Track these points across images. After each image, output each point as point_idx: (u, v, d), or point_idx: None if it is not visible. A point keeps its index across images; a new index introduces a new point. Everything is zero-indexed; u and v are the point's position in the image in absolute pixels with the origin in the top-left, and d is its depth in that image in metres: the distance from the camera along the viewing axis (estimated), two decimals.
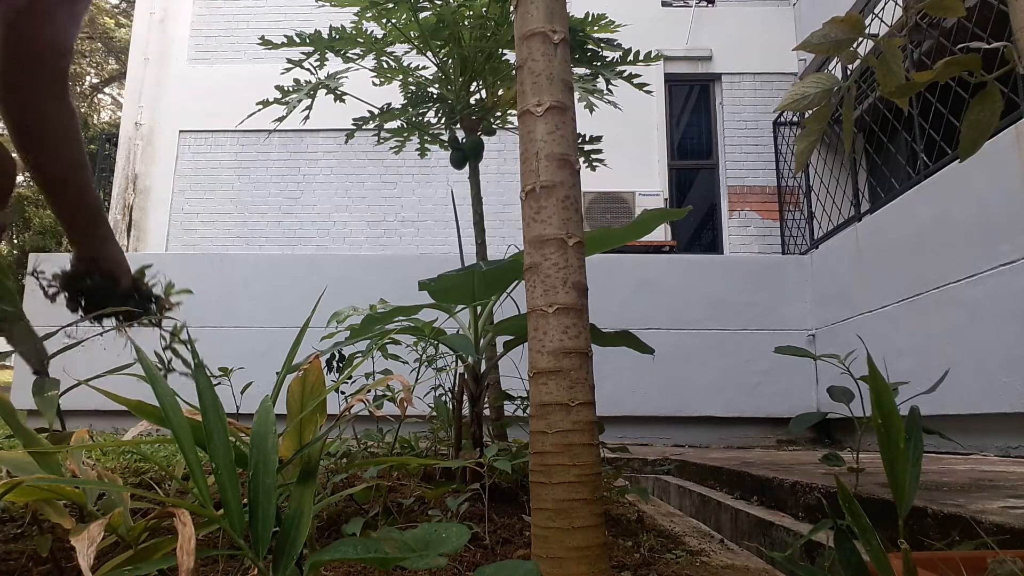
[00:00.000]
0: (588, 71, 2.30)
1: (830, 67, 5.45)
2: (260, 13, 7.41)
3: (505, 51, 2.26)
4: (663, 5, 7.27)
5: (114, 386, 0.71)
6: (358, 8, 2.18)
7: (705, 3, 7.32)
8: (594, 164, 2.53)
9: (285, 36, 2.32)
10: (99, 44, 16.94)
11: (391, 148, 2.71)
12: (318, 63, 2.40)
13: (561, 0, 1.04)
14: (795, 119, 6.52)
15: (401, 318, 1.66)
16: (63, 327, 1.39)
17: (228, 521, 0.61)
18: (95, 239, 1.47)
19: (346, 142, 2.72)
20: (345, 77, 2.40)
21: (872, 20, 4.42)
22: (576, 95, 2.01)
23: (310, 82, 2.38)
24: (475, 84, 2.35)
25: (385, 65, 2.41)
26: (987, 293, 3.26)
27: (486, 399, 1.80)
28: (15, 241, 14.54)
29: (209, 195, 7.01)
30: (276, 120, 2.47)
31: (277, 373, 0.85)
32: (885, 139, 4.58)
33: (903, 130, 4.40)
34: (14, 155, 1.26)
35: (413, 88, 2.43)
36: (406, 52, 2.38)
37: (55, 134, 1.27)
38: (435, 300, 1.60)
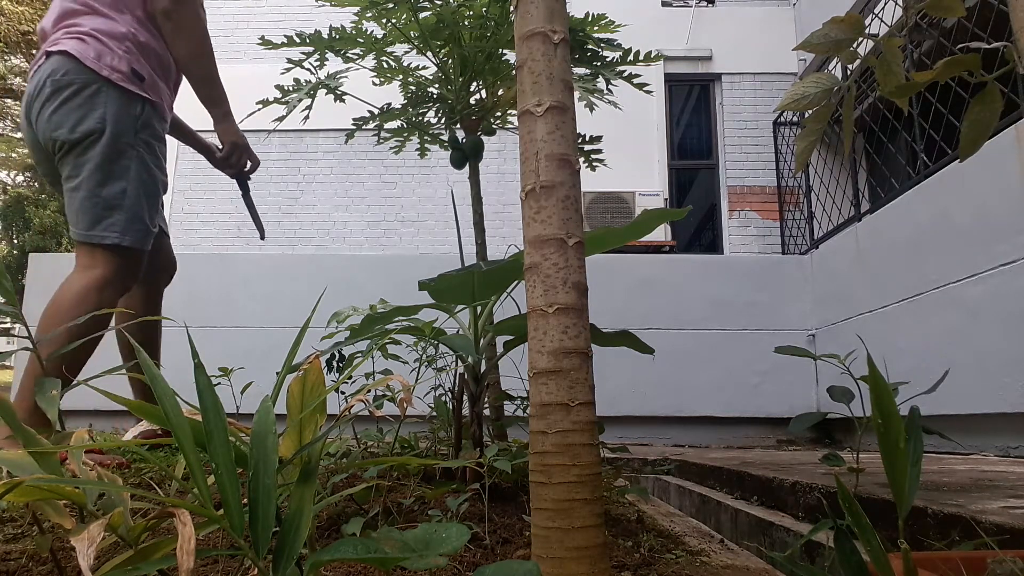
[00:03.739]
0: (588, 71, 2.30)
1: (830, 67, 5.45)
2: (260, 13, 7.41)
3: (505, 51, 2.26)
4: (663, 5, 7.27)
5: (114, 386, 0.71)
6: (358, 8, 2.18)
7: (705, 3, 7.32)
8: (594, 164, 2.53)
9: (285, 36, 2.32)
10: None
11: (391, 148, 2.71)
12: (318, 63, 2.40)
13: (561, 0, 1.04)
14: (795, 119, 6.52)
15: (401, 318, 1.66)
16: (62, 327, 1.39)
17: (228, 521, 0.61)
18: (229, 117, 2.21)
19: (346, 142, 2.72)
20: (345, 77, 2.40)
21: (872, 20, 4.42)
22: (576, 95, 2.01)
23: (310, 82, 2.38)
24: (475, 84, 2.35)
25: (385, 65, 2.41)
26: (987, 293, 3.26)
27: (486, 399, 1.80)
28: (15, 241, 14.54)
29: (209, 195, 7.01)
30: (276, 120, 2.47)
31: (277, 373, 0.85)
32: (885, 139, 4.58)
33: (903, 130, 4.40)
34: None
35: (413, 88, 2.43)
36: (406, 52, 2.37)
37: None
38: (435, 300, 1.60)
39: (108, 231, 1.91)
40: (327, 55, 2.38)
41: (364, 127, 2.50)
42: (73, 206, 1.94)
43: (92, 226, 1.90)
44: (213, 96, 2.14)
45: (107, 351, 1.76)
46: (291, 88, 2.36)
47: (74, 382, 1.07)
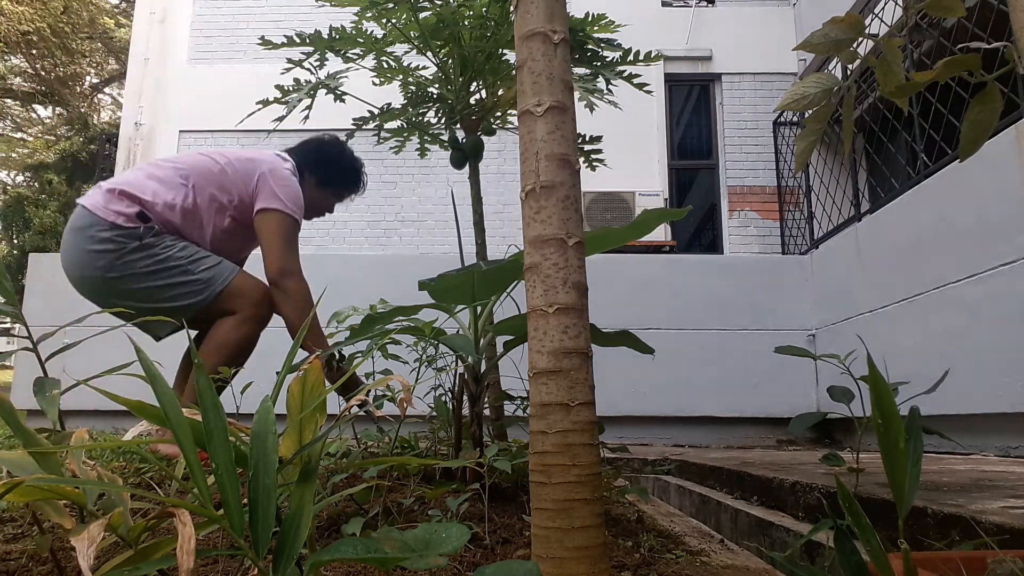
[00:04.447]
0: (588, 71, 2.29)
1: (830, 67, 5.45)
2: (260, 13, 7.41)
3: (505, 51, 2.26)
4: (663, 5, 7.27)
5: (114, 386, 0.71)
6: (358, 8, 2.18)
7: (705, 3, 7.32)
8: (594, 164, 2.52)
9: (285, 36, 2.32)
10: (99, 44, 16.94)
11: (391, 148, 2.71)
12: (318, 63, 2.40)
13: (561, 0, 1.04)
14: (795, 119, 6.52)
15: (401, 318, 1.66)
16: (62, 327, 1.39)
17: (228, 521, 0.61)
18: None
19: (346, 142, 2.72)
20: (345, 77, 2.40)
21: (872, 20, 4.42)
22: (576, 95, 2.01)
23: (310, 82, 2.38)
24: (475, 84, 2.35)
25: (385, 65, 2.41)
26: (987, 293, 3.26)
27: (486, 399, 1.80)
28: (15, 241, 14.54)
29: None
30: (276, 120, 2.46)
31: (277, 373, 0.85)
32: (885, 139, 4.58)
33: (903, 130, 4.40)
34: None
35: (413, 88, 2.43)
36: (406, 52, 2.37)
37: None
38: (435, 300, 1.60)
39: (200, 294, 2.22)
40: (327, 55, 2.37)
41: (364, 127, 2.50)
42: (165, 304, 2.22)
43: (199, 295, 2.22)
44: (314, 343, 2.43)
45: (110, 353, 1.76)
46: (291, 88, 2.36)
47: (75, 382, 1.07)
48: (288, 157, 2.51)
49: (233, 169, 2.32)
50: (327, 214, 2.72)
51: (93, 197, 2.24)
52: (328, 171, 2.58)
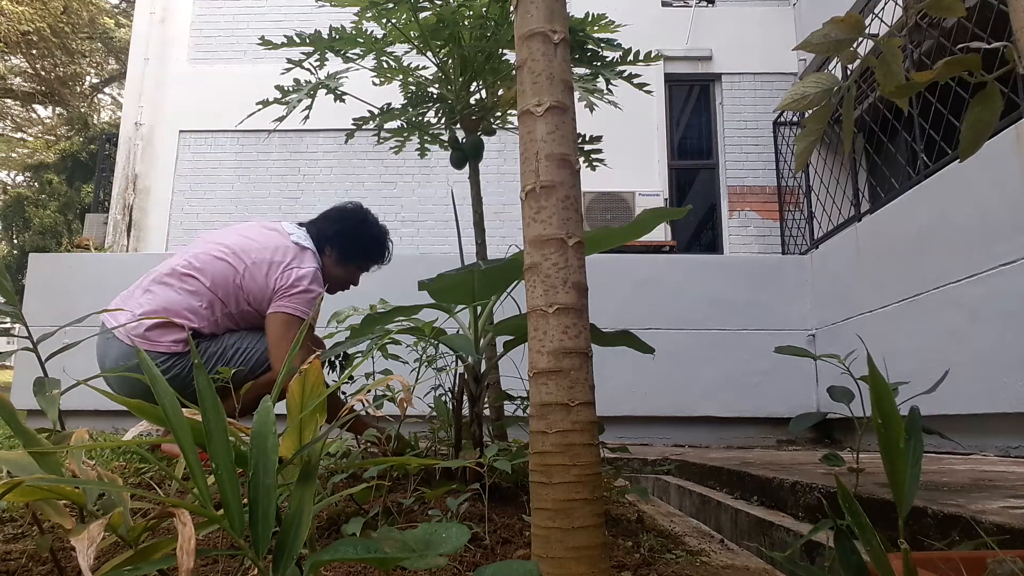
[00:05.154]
0: (588, 71, 2.29)
1: (830, 67, 5.45)
2: (260, 13, 7.41)
3: (505, 51, 2.26)
4: (663, 5, 7.27)
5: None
6: (358, 8, 2.18)
7: (705, 3, 7.32)
8: (594, 164, 2.52)
9: (285, 36, 2.32)
10: (99, 44, 16.94)
11: (391, 148, 2.71)
12: (318, 63, 2.40)
13: (561, 0, 1.04)
14: (795, 119, 6.52)
15: (401, 318, 1.66)
16: (62, 327, 1.39)
17: (228, 521, 0.61)
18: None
19: (346, 142, 2.72)
20: (345, 77, 2.39)
21: (872, 20, 4.41)
22: (576, 95, 2.01)
23: (310, 82, 2.38)
24: (475, 84, 2.35)
25: (385, 65, 2.41)
26: (987, 293, 3.26)
27: (486, 399, 1.80)
28: (15, 241, 14.54)
29: (209, 195, 7.01)
30: (276, 120, 2.46)
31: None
32: (885, 139, 4.58)
33: (903, 130, 4.40)
34: None
35: (413, 88, 2.43)
36: (406, 52, 2.37)
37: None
38: (435, 300, 1.60)
39: (265, 352, 2.36)
40: (327, 55, 2.37)
41: (364, 127, 2.50)
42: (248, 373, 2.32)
43: (264, 352, 2.36)
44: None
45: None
46: (291, 88, 2.35)
47: (75, 382, 1.07)
48: (307, 243, 2.46)
49: (251, 276, 2.34)
50: (352, 286, 2.68)
51: (140, 333, 2.23)
52: (350, 246, 2.55)
